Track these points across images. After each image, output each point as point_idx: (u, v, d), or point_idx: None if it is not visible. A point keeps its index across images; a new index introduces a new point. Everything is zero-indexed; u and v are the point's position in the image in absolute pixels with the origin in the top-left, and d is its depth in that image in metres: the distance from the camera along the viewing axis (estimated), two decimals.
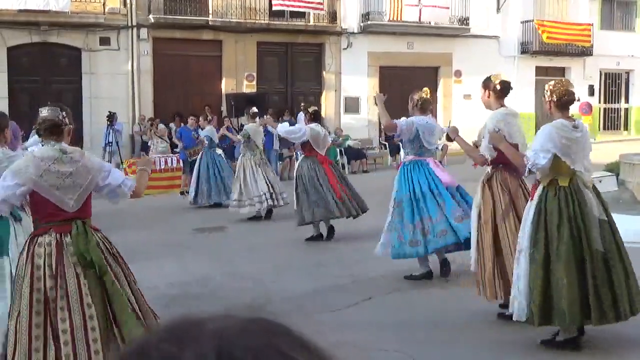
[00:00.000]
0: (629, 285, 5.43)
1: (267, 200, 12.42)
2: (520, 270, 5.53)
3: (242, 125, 19.48)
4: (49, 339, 4.32)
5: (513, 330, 6.09)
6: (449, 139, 6.75)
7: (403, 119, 8.13)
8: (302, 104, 22.41)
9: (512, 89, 6.64)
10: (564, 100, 5.55)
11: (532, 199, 5.62)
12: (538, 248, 5.41)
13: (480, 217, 6.45)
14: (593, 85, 27.47)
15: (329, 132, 22.12)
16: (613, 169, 12.68)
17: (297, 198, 10.44)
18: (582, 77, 27.29)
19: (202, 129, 15.38)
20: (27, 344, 4.29)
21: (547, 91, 5.60)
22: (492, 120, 6.30)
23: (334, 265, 8.98)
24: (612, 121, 28.34)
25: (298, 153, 16.73)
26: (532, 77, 26.32)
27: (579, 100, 6.87)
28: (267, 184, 12.46)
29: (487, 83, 6.64)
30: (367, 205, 10.55)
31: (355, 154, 21.60)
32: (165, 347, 0.71)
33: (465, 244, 7.50)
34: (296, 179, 10.55)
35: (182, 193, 16.40)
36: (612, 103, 28.35)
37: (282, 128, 10.91)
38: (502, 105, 6.48)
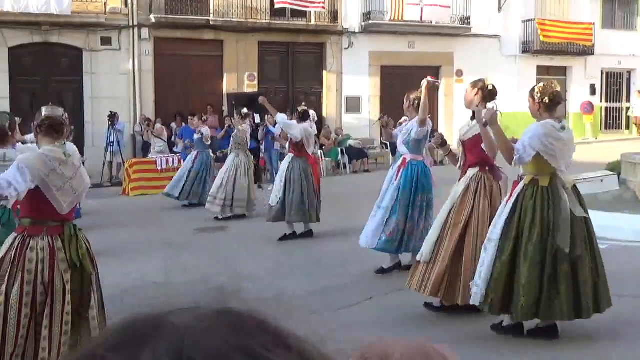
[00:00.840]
0: (596, 286, 5.61)
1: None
2: (486, 258, 5.74)
3: None
4: (30, 340, 4.40)
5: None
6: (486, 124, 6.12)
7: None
8: (303, 104, 22.42)
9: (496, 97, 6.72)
10: (554, 102, 5.69)
11: (512, 194, 5.78)
12: (507, 242, 5.61)
13: (451, 218, 6.52)
14: (594, 85, 27.45)
15: (331, 132, 22.23)
16: (614, 168, 12.67)
17: (283, 195, 10.51)
18: (584, 77, 27.28)
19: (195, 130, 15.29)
20: (14, 340, 4.35)
21: (537, 93, 5.74)
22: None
23: (334, 265, 8.97)
24: (614, 120, 28.31)
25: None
26: (533, 76, 26.27)
27: (565, 101, 7.14)
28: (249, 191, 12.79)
29: (477, 82, 6.86)
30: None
31: (357, 153, 21.59)
32: (115, 355, 0.61)
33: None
34: (284, 177, 10.57)
35: None
36: (613, 102, 28.31)
37: (281, 117, 10.91)
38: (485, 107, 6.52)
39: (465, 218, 6.46)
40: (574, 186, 5.75)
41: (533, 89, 5.86)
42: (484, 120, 5.85)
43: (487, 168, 6.59)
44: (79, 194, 4.58)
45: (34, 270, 4.39)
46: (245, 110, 13.77)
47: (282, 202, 10.53)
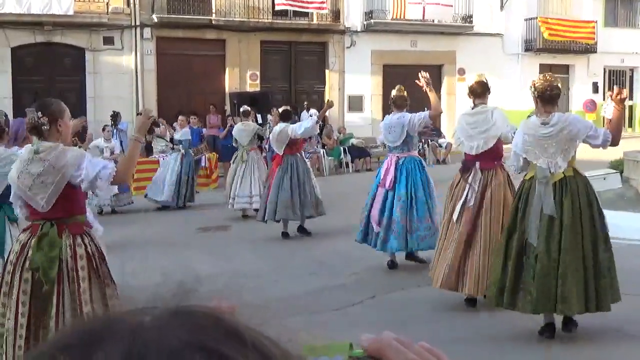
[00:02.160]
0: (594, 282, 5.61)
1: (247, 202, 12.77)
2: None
3: None
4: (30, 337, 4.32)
5: (515, 328, 6.09)
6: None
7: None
8: (305, 103, 22.44)
9: (489, 88, 7.09)
10: (547, 95, 5.65)
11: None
12: (503, 235, 5.90)
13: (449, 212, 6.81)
14: (597, 83, 27.40)
15: (333, 131, 22.22)
16: (617, 166, 12.65)
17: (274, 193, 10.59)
18: (586, 75, 27.24)
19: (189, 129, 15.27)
20: (12, 345, 4.32)
21: (531, 86, 5.80)
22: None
23: (336, 264, 8.97)
24: None
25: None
26: (535, 74, 26.08)
27: (564, 94, 7.39)
28: (252, 186, 12.75)
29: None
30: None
31: (359, 152, 21.58)
32: (66, 355, 0.60)
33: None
34: (282, 174, 10.60)
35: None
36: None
37: (300, 130, 10.58)
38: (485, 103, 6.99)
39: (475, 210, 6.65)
40: (562, 181, 5.65)
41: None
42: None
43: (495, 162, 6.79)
44: (56, 184, 4.34)
45: (12, 261, 4.39)
46: (247, 107, 13.74)
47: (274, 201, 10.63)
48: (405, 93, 8.62)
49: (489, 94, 7.03)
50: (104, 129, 15.09)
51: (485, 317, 6.52)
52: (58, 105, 4.57)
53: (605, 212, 10.21)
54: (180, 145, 14.61)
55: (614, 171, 12.31)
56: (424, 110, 8.77)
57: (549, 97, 5.66)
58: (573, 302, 5.47)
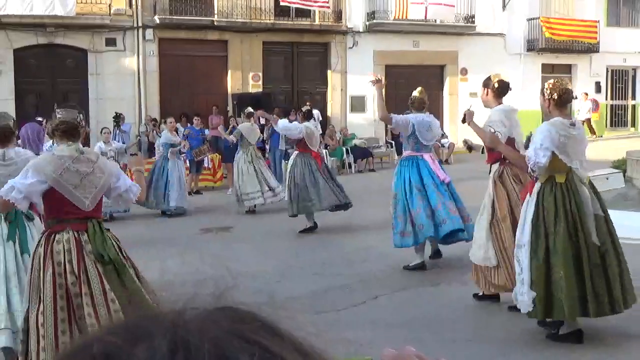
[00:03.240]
0: (622, 280, 5.60)
1: (260, 196, 13.11)
2: (522, 265, 5.67)
3: None
4: (74, 332, 4.36)
5: (520, 328, 6.09)
6: (464, 121, 6.78)
7: (399, 115, 8.51)
8: (308, 103, 22.44)
9: (510, 89, 6.97)
10: (564, 99, 5.69)
11: (530, 195, 5.75)
12: (539, 243, 5.56)
13: (495, 214, 6.60)
14: (600, 82, 27.37)
15: (335, 131, 22.23)
16: (620, 166, 12.64)
17: (288, 191, 11.08)
18: (589, 74, 27.20)
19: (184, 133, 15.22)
20: (53, 338, 4.33)
21: (547, 89, 5.74)
22: (496, 114, 6.64)
23: (340, 264, 8.97)
24: (619, 118, 28.22)
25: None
26: (538, 74, 26.24)
27: (576, 98, 7.13)
28: (260, 181, 13.14)
29: (487, 82, 6.97)
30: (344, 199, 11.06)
31: (362, 152, 21.59)
32: (113, 341, 0.64)
33: (444, 239, 8.27)
34: (289, 173, 11.07)
35: (189, 193, 16.40)
36: (618, 100, 28.23)
37: (281, 124, 11.49)
38: (500, 103, 6.78)
39: (507, 206, 6.58)
40: (590, 183, 5.79)
41: (543, 87, 5.87)
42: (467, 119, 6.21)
43: (508, 161, 6.58)
44: (101, 186, 4.56)
45: (62, 261, 4.41)
46: (250, 109, 13.91)
47: (289, 197, 11.03)
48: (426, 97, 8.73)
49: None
50: (102, 132, 14.53)
51: (488, 318, 6.53)
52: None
53: (608, 212, 10.23)
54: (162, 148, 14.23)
55: (617, 171, 12.30)
56: (430, 111, 9.06)
57: (566, 100, 5.74)
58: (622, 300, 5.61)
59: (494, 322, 6.40)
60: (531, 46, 26.17)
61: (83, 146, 4.69)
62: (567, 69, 27.23)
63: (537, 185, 5.69)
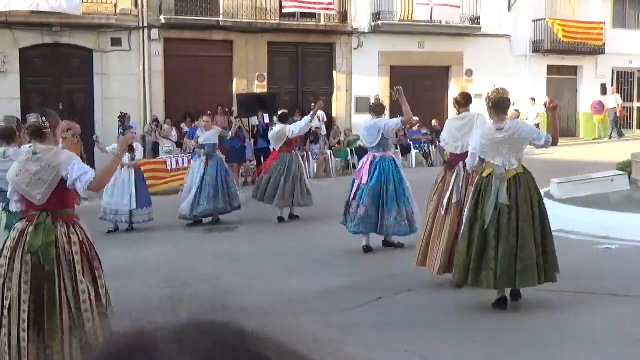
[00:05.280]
0: (517, 261, 6.49)
1: None
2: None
3: (254, 127, 19.54)
4: (4, 319, 4.92)
5: (523, 329, 6.09)
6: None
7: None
8: (313, 104, 22.44)
9: (470, 99, 8.40)
10: (500, 105, 6.82)
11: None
12: (465, 224, 6.82)
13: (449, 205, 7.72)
14: (605, 84, 27.29)
15: (340, 132, 22.22)
16: (625, 168, 12.60)
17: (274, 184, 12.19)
18: (594, 76, 27.12)
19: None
20: None
21: (486, 99, 6.90)
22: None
23: (343, 265, 8.97)
24: (625, 120, 28.14)
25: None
26: (543, 76, 26.19)
27: (513, 104, 8.37)
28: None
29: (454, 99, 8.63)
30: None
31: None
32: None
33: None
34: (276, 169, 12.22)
35: None
36: (624, 102, 28.14)
37: (296, 130, 12.36)
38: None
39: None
40: (518, 176, 6.71)
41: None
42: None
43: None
44: (51, 181, 5.02)
45: (8, 248, 5.01)
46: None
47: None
48: (383, 102, 10.34)
49: (470, 104, 8.30)
50: (123, 134, 13.55)
51: (494, 319, 6.52)
52: (56, 115, 5.44)
53: (613, 213, 10.24)
54: (203, 150, 12.58)
55: (622, 173, 12.25)
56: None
57: (501, 107, 6.83)
58: (529, 276, 6.50)
59: (499, 323, 6.40)
60: (537, 48, 26.11)
61: (84, 149, 5.13)
62: (573, 70, 27.18)
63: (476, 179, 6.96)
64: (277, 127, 12.59)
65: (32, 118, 5.24)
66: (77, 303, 4.93)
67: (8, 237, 5.12)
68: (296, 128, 12.31)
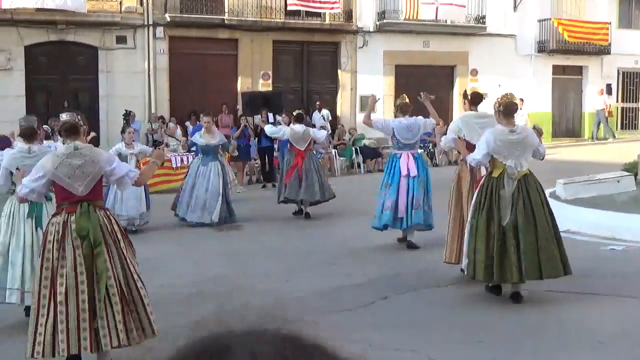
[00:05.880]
0: (540, 255, 6.78)
1: None
2: (465, 239, 7.22)
3: (257, 125, 19.52)
4: (51, 307, 5.20)
5: (529, 329, 6.08)
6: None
7: (382, 119, 10.31)
8: (317, 103, 22.44)
9: (484, 99, 8.52)
10: (509, 110, 7.11)
11: (479, 184, 7.25)
12: (472, 222, 7.04)
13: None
14: (611, 84, 27.24)
15: (345, 131, 22.20)
16: (631, 168, 12.57)
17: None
18: (600, 76, 27.06)
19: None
20: (36, 307, 5.26)
21: (495, 103, 7.16)
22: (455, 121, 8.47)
23: (348, 264, 8.96)
24: (630, 120, 28.07)
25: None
26: (549, 76, 26.15)
27: (521, 109, 8.12)
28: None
29: (464, 94, 8.75)
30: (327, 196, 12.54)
31: (371, 153, 21.56)
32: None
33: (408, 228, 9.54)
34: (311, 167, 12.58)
35: None
36: (630, 102, 28.07)
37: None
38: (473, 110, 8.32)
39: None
40: (526, 176, 7.02)
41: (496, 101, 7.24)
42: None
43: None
44: (94, 175, 5.44)
45: (52, 240, 5.29)
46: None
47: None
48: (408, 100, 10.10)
49: (479, 104, 8.40)
50: (123, 131, 13.30)
51: (498, 319, 6.51)
52: (83, 117, 5.84)
53: (619, 214, 10.21)
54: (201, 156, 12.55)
55: (628, 174, 12.23)
56: (440, 112, 10.06)
57: (510, 111, 7.12)
58: (553, 267, 6.80)
59: (504, 323, 6.38)
60: (542, 47, 26.05)
61: (92, 141, 5.35)
62: (578, 70, 27.12)
63: (485, 177, 7.16)
64: (301, 128, 12.66)
65: (67, 116, 5.69)
66: (127, 280, 5.32)
67: (47, 231, 5.40)
68: (322, 135, 13.33)
